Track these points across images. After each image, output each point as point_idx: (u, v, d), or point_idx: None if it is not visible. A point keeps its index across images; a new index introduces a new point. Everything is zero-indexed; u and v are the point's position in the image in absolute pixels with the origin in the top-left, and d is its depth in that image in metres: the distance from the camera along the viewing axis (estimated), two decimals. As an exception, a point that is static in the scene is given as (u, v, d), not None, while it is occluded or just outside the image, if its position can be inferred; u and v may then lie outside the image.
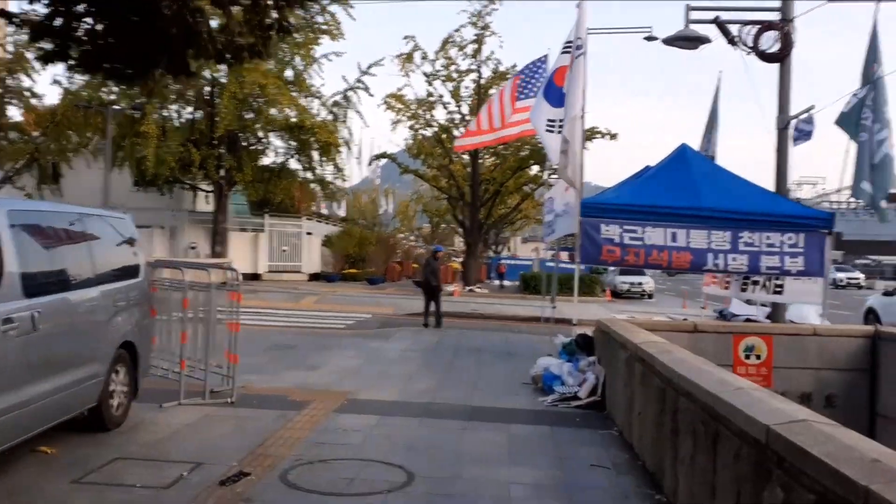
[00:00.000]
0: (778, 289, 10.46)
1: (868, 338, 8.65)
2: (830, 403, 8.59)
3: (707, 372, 4.61)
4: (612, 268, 29.13)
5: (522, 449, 6.26)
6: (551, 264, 17.22)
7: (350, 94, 28.72)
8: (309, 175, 29.71)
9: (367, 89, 29.02)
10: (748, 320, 21.41)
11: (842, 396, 8.57)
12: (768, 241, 9.05)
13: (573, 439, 6.71)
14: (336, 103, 28.62)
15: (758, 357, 8.75)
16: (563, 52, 11.52)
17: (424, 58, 31.34)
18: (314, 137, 27.10)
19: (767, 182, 11.16)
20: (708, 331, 8.81)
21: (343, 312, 19.59)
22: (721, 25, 11.33)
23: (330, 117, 28.35)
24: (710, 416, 3.91)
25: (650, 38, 22.04)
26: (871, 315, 18.32)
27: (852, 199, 34.36)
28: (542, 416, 7.68)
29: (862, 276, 50.58)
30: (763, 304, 12.31)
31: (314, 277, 33.86)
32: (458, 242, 50.90)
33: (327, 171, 29.41)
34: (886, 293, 18.92)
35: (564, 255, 23.67)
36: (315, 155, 28.50)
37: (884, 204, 9.60)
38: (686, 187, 9.35)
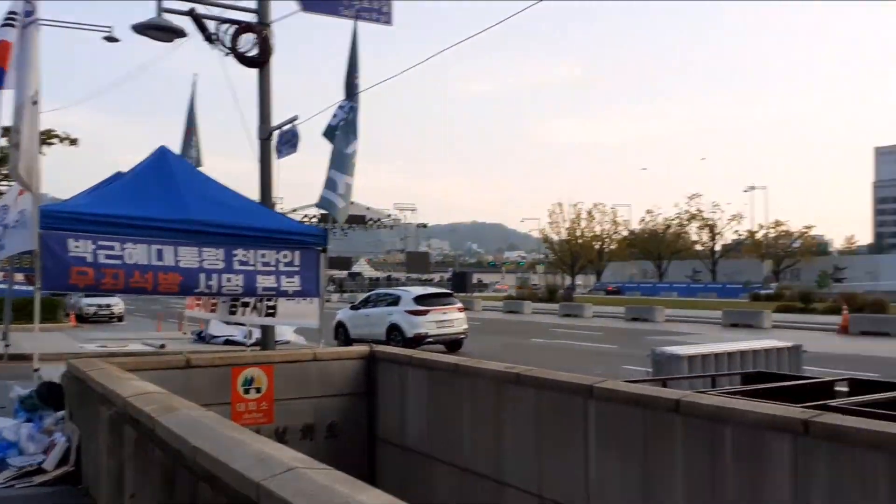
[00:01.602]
0: (270, 310, 9.68)
1: (364, 359, 8.37)
2: (332, 433, 8.05)
3: (239, 442, 3.32)
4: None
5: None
6: (2, 286, 13.94)
7: None
8: None
9: None
10: (228, 342, 20.83)
11: (343, 424, 8.10)
12: (264, 260, 8.15)
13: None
14: None
15: (258, 390, 7.75)
16: (4, 26, 8.94)
17: None
18: None
19: (255, 196, 10.42)
20: (203, 365, 7.48)
21: None
22: (197, 19, 10.21)
23: None
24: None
25: (111, 39, 19.82)
26: (340, 329, 19.29)
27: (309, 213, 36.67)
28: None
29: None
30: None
31: None
32: None
33: None
34: (353, 307, 20.18)
35: (21, 277, 19.71)
36: None
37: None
38: (171, 197, 7.91)
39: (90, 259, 6.99)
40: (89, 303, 29.45)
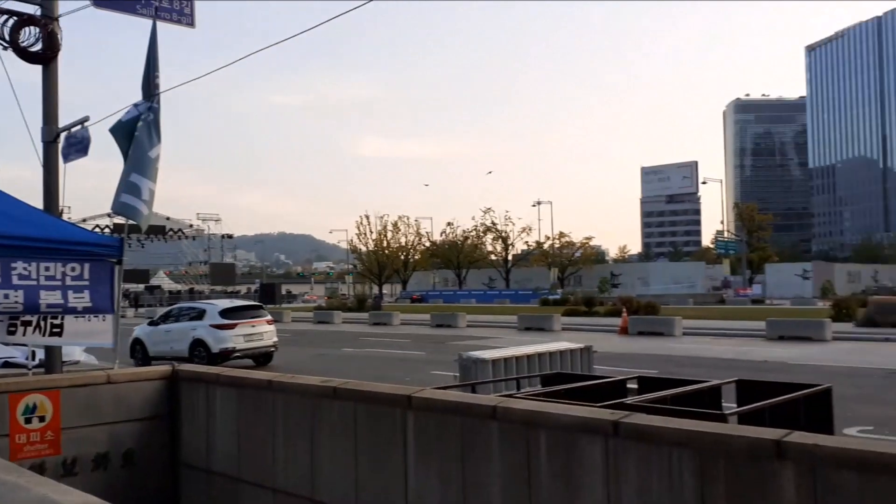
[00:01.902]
0: (56, 329, 8.73)
1: (165, 379, 7.81)
2: (130, 461, 7.44)
3: (14, 487, 2.92)
4: None
5: None
6: None
7: None
8: None
9: None
10: (7, 364, 18.59)
11: (142, 450, 7.50)
12: (48, 273, 7.34)
13: None
14: None
15: (41, 419, 6.98)
16: None
17: None
18: None
19: (39, 204, 9.40)
20: (-27, 394, 6.63)
21: None
22: (-32, 9, 9.10)
23: None
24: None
25: None
26: (137, 347, 17.95)
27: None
28: None
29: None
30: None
31: None
32: None
33: None
34: (152, 322, 18.89)
35: None
36: None
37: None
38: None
39: None
40: None
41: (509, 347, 13.98)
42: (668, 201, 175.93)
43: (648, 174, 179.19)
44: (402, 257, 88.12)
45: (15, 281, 7.04)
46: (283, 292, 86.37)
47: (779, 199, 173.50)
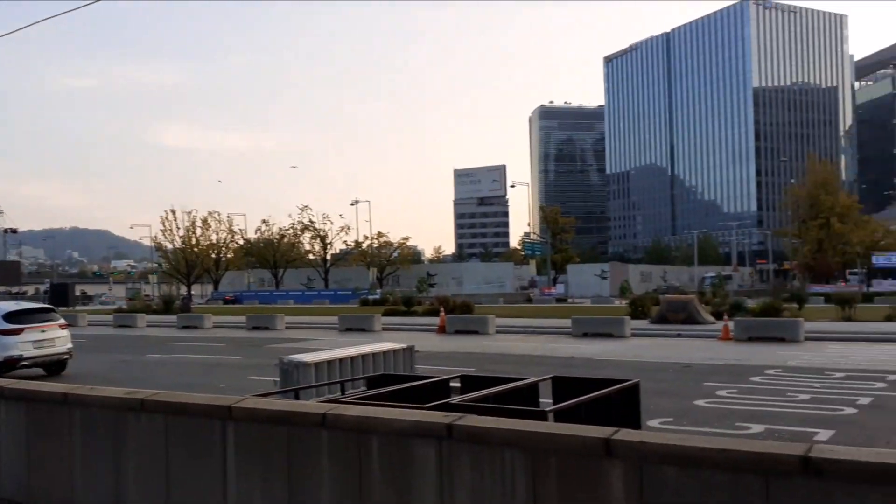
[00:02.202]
0: None
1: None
2: None
3: None
4: None
5: None
6: None
7: None
8: None
9: None
10: None
11: None
12: None
13: None
14: None
15: None
16: None
17: None
18: None
19: None
20: None
21: None
22: None
23: None
24: None
25: None
26: None
27: None
28: None
29: None
30: None
31: None
32: None
33: None
34: None
35: None
36: None
37: None
38: None
39: None
40: None
41: (332, 349, 13.68)
42: (479, 203, 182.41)
43: (461, 176, 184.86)
44: (214, 256, 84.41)
45: None
46: (78, 293, 79.85)
47: (579, 203, 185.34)
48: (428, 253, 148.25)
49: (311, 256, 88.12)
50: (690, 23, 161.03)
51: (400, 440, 4.15)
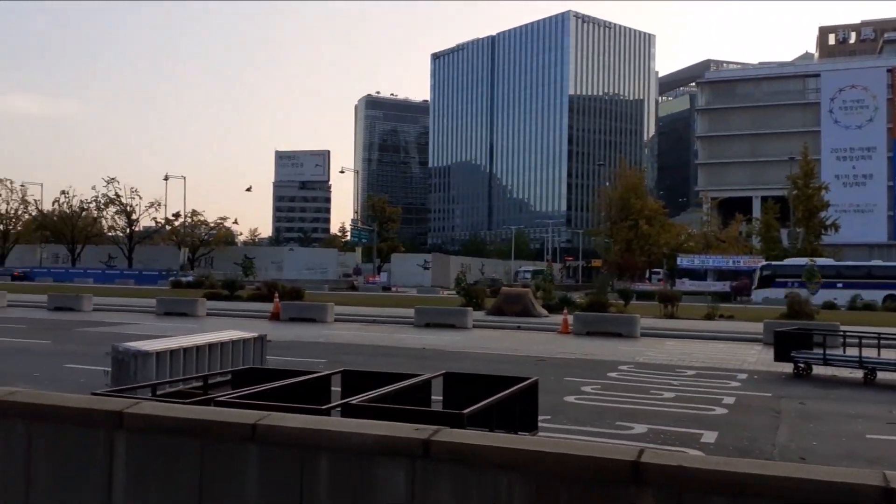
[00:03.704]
0: None
1: None
2: None
3: None
4: None
5: None
6: None
7: None
8: None
9: None
10: None
11: None
12: None
13: None
14: None
15: None
16: None
17: None
18: None
19: None
20: None
21: None
22: None
23: None
24: None
25: None
26: None
27: None
28: None
29: None
30: None
31: None
32: None
33: None
34: None
35: None
36: None
37: None
38: None
39: None
40: None
41: (173, 337, 12.37)
42: (300, 187, 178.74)
43: (283, 158, 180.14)
44: (1, 227, 75.98)
45: None
46: None
47: (401, 194, 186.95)
48: (245, 235, 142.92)
49: (118, 233, 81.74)
50: (515, 28, 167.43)
51: (359, 460, 3.47)
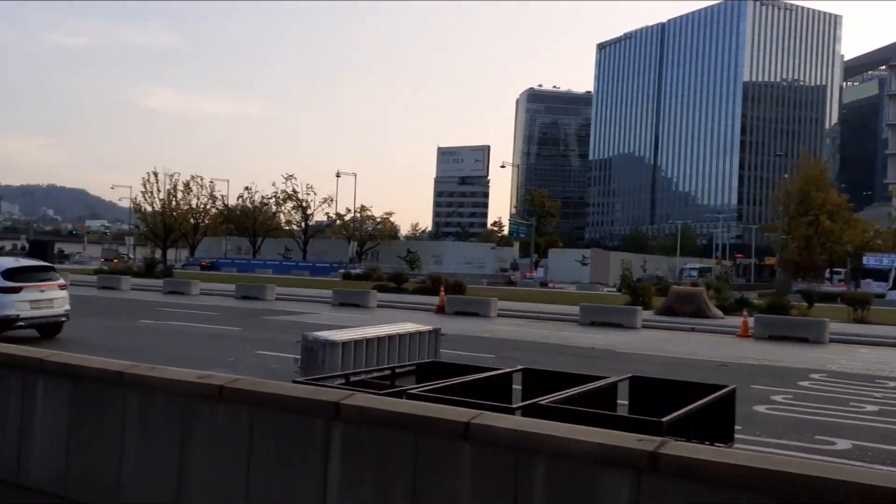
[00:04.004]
0: None
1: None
2: None
3: None
4: None
5: None
6: None
7: None
8: None
9: None
10: None
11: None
12: None
13: None
14: None
15: None
16: None
17: None
18: None
19: None
20: None
21: None
22: None
23: None
24: None
25: None
26: None
27: None
28: None
29: None
30: None
31: None
32: None
33: None
34: None
35: None
36: None
37: None
38: None
39: None
40: None
41: (356, 328, 12.92)
42: (460, 182, 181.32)
43: (444, 154, 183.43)
44: (192, 221, 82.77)
45: None
46: (55, 251, 77.94)
47: (559, 188, 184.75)
48: (404, 229, 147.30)
49: (291, 227, 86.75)
50: (686, 14, 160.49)
51: (577, 467, 3.36)
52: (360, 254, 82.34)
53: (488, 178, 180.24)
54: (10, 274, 15.41)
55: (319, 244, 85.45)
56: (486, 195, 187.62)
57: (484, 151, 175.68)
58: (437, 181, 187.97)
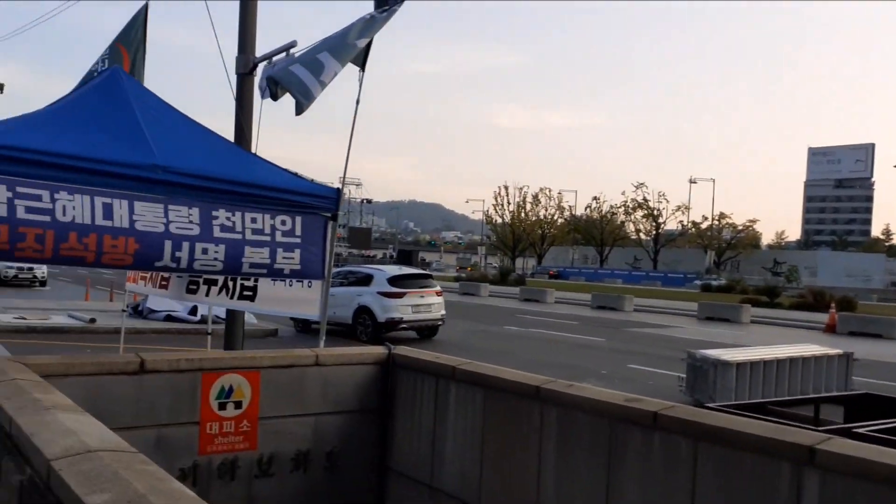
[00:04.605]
0: (248, 292, 7.32)
1: (379, 365, 6.21)
2: (333, 462, 5.94)
3: None
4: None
5: None
6: None
7: None
8: None
9: None
10: (169, 318, 18.21)
11: (346, 450, 5.98)
12: (255, 226, 5.86)
13: None
14: None
15: (238, 405, 5.57)
16: None
17: None
18: None
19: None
20: (162, 369, 5.26)
21: None
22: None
23: None
24: None
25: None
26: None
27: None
28: None
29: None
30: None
31: None
32: None
33: None
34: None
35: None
36: None
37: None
38: (127, 132, 5.59)
39: (3, 213, 4.68)
40: (8, 265, 26.19)
41: (748, 348, 11.73)
42: (835, 186, 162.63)
43: (816, 155, 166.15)
44: (540, 231, 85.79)
45: (217, 233, 5.62)
46: (419, 259, 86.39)
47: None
48: (767, 238, 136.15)
49: (640, 236, 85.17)
50: None
51: None
52: (717, 264, 77.88)
53: (872, 179, 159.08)
54: (395, 280, 17.07)
55: (670, 254, 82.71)
56: (870, 199, 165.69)
57: (867, 150, 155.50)
58: (808, 185, 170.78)
